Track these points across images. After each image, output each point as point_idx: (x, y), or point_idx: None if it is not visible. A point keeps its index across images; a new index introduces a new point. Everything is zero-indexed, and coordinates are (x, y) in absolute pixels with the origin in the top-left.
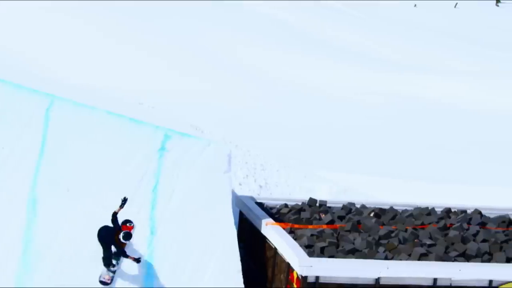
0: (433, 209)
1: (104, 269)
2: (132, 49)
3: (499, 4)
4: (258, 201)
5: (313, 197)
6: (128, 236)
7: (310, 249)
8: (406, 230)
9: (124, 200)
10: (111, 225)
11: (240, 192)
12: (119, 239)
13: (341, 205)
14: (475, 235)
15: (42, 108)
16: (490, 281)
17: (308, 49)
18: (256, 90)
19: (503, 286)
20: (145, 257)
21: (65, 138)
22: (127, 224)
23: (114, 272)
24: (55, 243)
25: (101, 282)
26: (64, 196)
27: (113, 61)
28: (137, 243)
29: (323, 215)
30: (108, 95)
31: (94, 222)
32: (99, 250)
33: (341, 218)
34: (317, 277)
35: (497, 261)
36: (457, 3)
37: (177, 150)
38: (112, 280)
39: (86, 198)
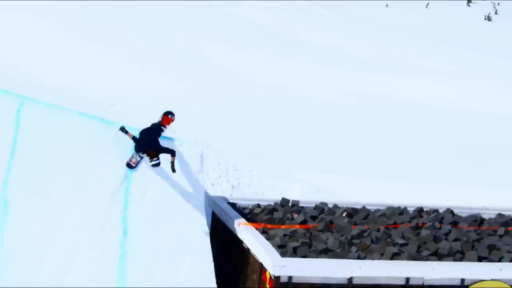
0: (405, 208)
1: (134, 152)
2: (100, 49)
3: (470, 4)
4: (231, 201)
5: (286, 197)
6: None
7: (283, 249)
8: (378, 230)
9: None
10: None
11: (213, 192)
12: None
13: (313, 205)
14: (447, 234)
15: (13, 109)
16: (462, 280)
17: (280, 49)
18: (228, 91)
19: (474, 285)
20: (117, 257)
21: (36, 139)
22: (169, 116)
23: (141, 158)
24: (26, 243)
25: (127, 165)
26: (35, 196)
27: (83, 62)
28: (109, 244)
29: (296, 215)
30: (79, 95)
31: (65, 222)
32: (70, 251)
33: (313, 218)
34: (290, 277)
35: (469, 260)
36: (428, 3)
37: None
38: (137, 165)
39: (57, 199)
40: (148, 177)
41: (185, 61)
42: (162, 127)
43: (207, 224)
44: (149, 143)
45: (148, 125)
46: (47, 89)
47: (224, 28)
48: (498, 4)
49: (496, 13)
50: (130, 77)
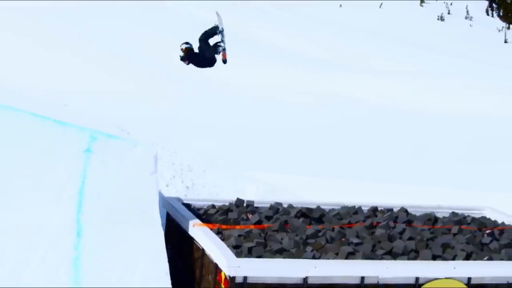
0: (359, 208)
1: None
2: (51, 49)
3: (423, 4)
4: (185, 202)
5: (241, 197)
6: None
7: (238, 250)
8: (333, 229)
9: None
10: None
11: (167, 193)
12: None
13: (268, 205)
14: (401, 233)
15: None
16: (417, 278)
17: (235, 49)
18: (183, 91)
19: (428, 283)
20: (71, 259)
21: None
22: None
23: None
24: None
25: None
26: None
27: (36, 62)
28: (63, 247)
29: (251, 215)
30: (32, 96)
31: (19, 224)
32: (25, 252)
33: (268, 218)
34: (245, 278)
35: (423, 259)
36: (382, 3)
37: (103, 151)
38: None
39: (11, 201)
40: (102, 179)
41: (140, 61)
42: None
43: (162, 225)
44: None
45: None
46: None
47: (179, 28)
48: (451, 4)
49: (449, 13)
50: (84, 78)
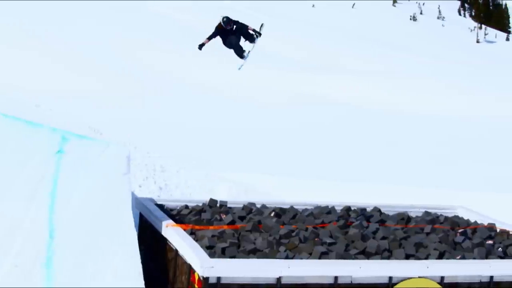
0: (333, 207)
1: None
2: (19, 49)
3: (395, 4)
4: (158, 203)
5: (214, 197)
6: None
7: (211, 250)
8: (306, 229)
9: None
10: None
11: (140, 194)
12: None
13: (241, 206)
14: (374, 232)
15: None
16: (390, 278)
17: (209, 50)
18: (155, 91)
19: (402, 283)
20: (44, 261)
21: None
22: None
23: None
24: None
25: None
26: None
27: (2, 62)
28: (35, 248)
29: (224, 216)
30: (3, 97)
31: None
32: None
33: (241, 218)
34: (218, 278)
35: (396, 258)
36: (354, 3)
37: (75, 152)
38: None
39: None
40: (74, 180)
41: (109, 61)
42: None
43: (135, 226)
44: None
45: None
46: None
47: (150, 28)
48: (423, 4)
49: (421, 13)
50: (53, 78)
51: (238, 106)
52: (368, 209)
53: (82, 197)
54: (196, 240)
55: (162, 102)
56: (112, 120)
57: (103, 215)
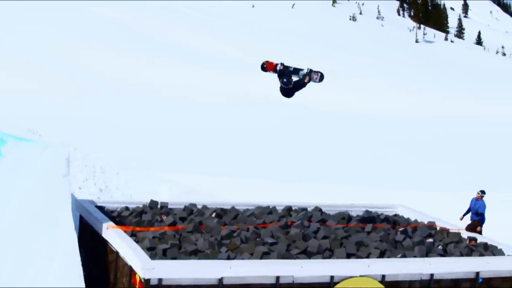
0: (274, 207)
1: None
2: None
3: (335, 4)
4: (99, 204)
5: (155, 199)
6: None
7: (152, 252)
8: (248, 230)
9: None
10: None
11: (80, 196)
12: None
13: (182, 206)
14: (316, 232)
15: None
16: (332, 277)
17: (151, 51)
18: (94, 92)
19: (343, 282)
20: None
21: None
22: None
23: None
24: None
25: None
26: None
27: None
28: None
29: (165, 217)
30: None
31: None
32: None
33: (182, 219)
34: (160, 279)
35: (337, 257)
36: (294, 4)
37: (13, 155)
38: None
39: None
40: (13, 182)
41: (43, 61)
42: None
43: (75, 229)
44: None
45: None
46: None
47: (88, 28)
48: (363, 4)
49: (360, 13)
50: None
51: (177, 106)
52: (309, 209)
53: (21, 200)
54: (137, 242)
55: (101, 102)
56: (51, 121)
57: (43, 217)
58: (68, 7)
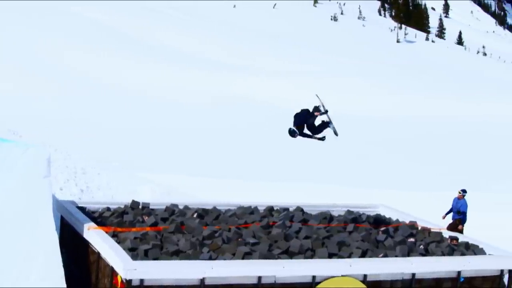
0: (255, 207)
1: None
2: None
3: (316, 5)
4: (80, 205)
5: (136, 199)
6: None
7: (134, 252)
8: (229, 230)
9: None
10: None
11: (61, 196)
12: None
13: (164, 207)
14: (297, 232)
15: None
16: (313, 277)
17: (132, 51)
18: (76, 92)
19: (325, 281)
20: None
21: None
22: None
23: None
24: None
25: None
26: None
27: None
28: None
29: (146, 218)
30: None
31: None
32: None
33: (164, 220)
34: (141, 280)
35: (319, 257)
36: (275, 4)
37: None
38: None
39: None
40: None
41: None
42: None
43: (56, 229)
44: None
45: None
46: None
47: (70, 29)
48: (344, 4)
49: (342, 14)
50: None
51: (159, 106)
52: (291, 209)
53: (2, 200)
54: (119, 243)
55: (82, 102)
56: (32, 121)
57: (24, 218)
58: (49, 7)
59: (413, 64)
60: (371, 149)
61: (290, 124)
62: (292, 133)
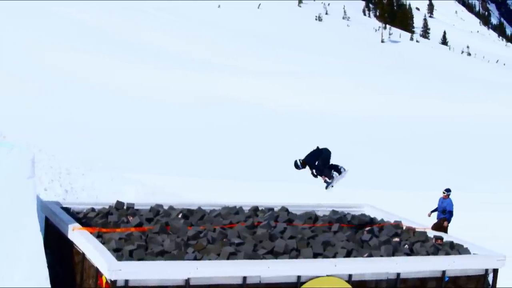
0: (240, 208)
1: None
2: None
3: (301, 5)
4: (64, 206)
5: (121, 199)
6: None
7: (119, 253)
8: (214, 230)
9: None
10: None
11: (46, 197)
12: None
13: (149, 207)
14: (282, 232)
15: None
16: (298, 277)
17: (116, 51)
18: (60, 92)
19: (310, 281)
20: None
21: None
22: None
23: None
24: None
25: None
26: None
27: None
28: None
29: (131, 218)
30: None
31: None
32: None
33: (149, 220)
34: (126, 281)
35: (304, 257)
36: (260, 4)
37: None
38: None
39: None
40: None
41: (14, 61)
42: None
43: (40, 230)
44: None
45: None
46: None
47: (53, 29)
48: (328, 4)
49: (326, 14)
50: None
51: (144, 106)
52: (276, 209)
53: None
54: (103, 243)
55: (66, 102)
56: (16, 121)
57: (8, 219)
58: (31, 7)
59: (397, 64)
60: (356, 149)
61: (273, 125)
62: (296, 165)
